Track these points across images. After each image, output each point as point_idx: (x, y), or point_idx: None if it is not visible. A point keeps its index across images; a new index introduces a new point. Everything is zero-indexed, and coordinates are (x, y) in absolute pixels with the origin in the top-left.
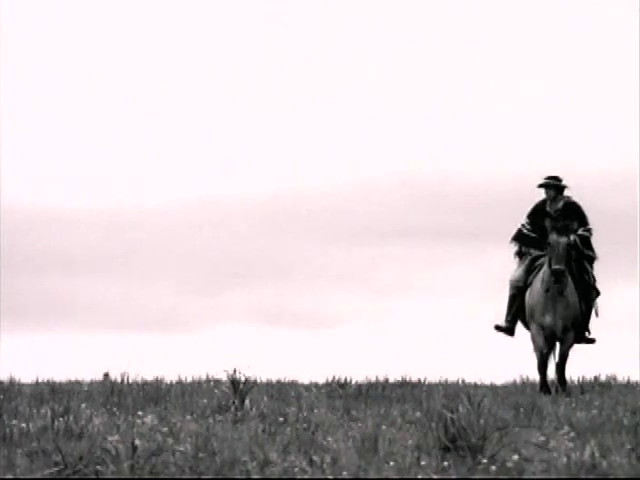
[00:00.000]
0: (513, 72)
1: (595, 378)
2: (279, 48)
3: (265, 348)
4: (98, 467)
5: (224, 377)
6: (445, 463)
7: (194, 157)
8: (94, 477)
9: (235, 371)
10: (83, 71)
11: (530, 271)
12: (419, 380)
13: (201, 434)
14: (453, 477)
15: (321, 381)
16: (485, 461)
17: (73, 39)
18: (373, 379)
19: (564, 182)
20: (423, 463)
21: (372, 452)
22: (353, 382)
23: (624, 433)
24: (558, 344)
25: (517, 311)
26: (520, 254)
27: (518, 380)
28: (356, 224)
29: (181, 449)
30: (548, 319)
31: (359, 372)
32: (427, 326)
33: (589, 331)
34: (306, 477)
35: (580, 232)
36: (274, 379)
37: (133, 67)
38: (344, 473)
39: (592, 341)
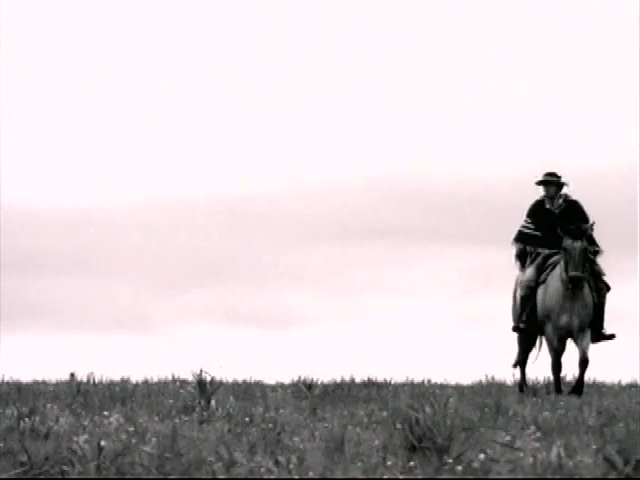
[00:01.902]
0: (502, 71)
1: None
2: (258, 47)
3: (231, 348)
4: (64, 467)
5: (190, 377)
6: (411, 463)
7: (161, 158)
8: (60, 477)
9: (201, 371)
10: (83, 71)
11: (542, 270)
12: (385, 380)
13: (167, 434)
14: (419, 477)
15: (287, 381)
16: (451, 461)
17: (73, 39)
18: (339, 379)
19: (563, 179)
20: (389, 463)
21: (338, 452)
22: (319, 382)
23: (590, 433)
24: (577, 346)
25: (531, 311)
26: (521, 257)
27: (484, 380)
28: (323, 224)
29: (147, 449)
30: (565, 319)
31: (325, 372)
32: (393, 326)
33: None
34: (272, 477)
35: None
36: (240, 379)
37: (133, 67)
38: (310, 473)
39: (611, 337)
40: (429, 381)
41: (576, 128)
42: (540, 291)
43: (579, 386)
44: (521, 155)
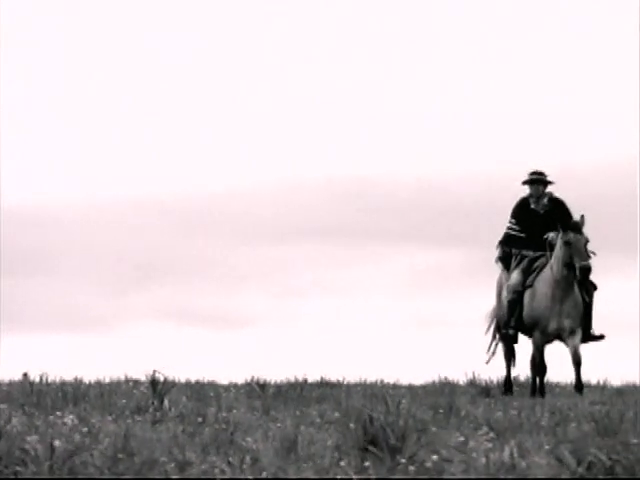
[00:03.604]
0: (499, 70)
1: (514, 378)
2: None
3: (183, 348)
4: (17, 468)
5: (143, 377)
6: (365, 463)
7: (110, 155)
8: (13, 477)
9: (154, 372)
10: (83, 71)
11: (528, 273)
12: (338, 380)
13: (120, 435)
14: (372, 477)
15: (240, 381)
16: (404, 461)
17: (73, 39)
18: (292, 379)
19: (550, 177)
20: (342, 463)
21: (291, 452)
22: (272, 382)
23: (543, 434)
24: (569, 347)
25: (519, 316)
26: (504, 259)
27: (436, 380)
28: (271, 224)
29: (100, 449)
30: (554, 325)
31: (278, 372)
32: (346, 326)
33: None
34: (225, 477)
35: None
36: (193, 379)
37: (132, 67)
38: (264, 473)
39: (601, 337)
40: (382, 381)
41: (576, 125)
42: (527, 295)
43: (579, 385)
44: (498, 154)
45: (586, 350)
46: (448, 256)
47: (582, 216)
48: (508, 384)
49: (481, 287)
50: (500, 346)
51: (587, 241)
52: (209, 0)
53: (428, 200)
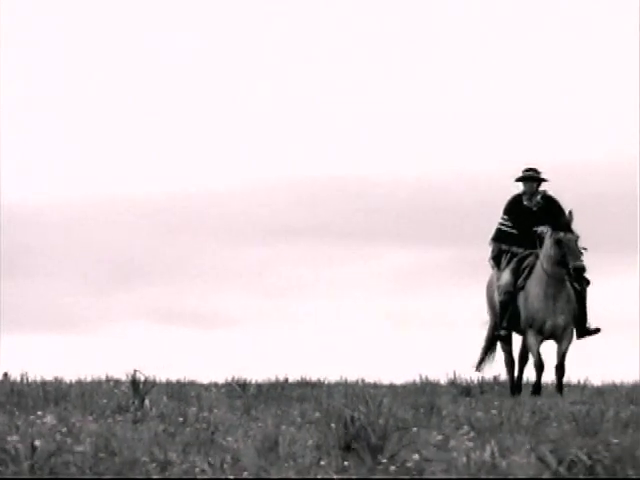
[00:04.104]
0: (495, 67)
1: (495, 378)
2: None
3: (164, 348)
4: None
5: (124, 377)
6: (345, 463)
7: (109, 155)
8: None
9: (135, 371)
10: (83, 71)
11: (518, 274)
12: (319, 380)
13: (101, 434)
14: (353, 477)
15: (221, 381)
16: (385, 461)
17: (73, 39)
18: (273, 379)
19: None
20: (323, 463)
21: (272, 452)
22: (253, 382)
23: (523, 433)
24: (557, 350)
25: (511, 317)
26: (497, 257)
27: (417, 380)
28: (253, 224)
29: (81, 449)
30: (549, 323)
31: (259, 372)
32: (327, 326)
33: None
34: (206, 477)
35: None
36: (174, 379)
37: (132, 67)
38: (244, 473)
39: (597, 331)
40: (363, 381)
41: (576, 125)
42: (521, 298)
43: (559, 390)
44: (498, 154)
45: (584, 349)
46: (429, 255)
47: (570, 212)
48: (513, 383)
49: (479, 287)
50: (498, 349)
51: (577, 238)
52: (209, 0)
53: (428, 200)
